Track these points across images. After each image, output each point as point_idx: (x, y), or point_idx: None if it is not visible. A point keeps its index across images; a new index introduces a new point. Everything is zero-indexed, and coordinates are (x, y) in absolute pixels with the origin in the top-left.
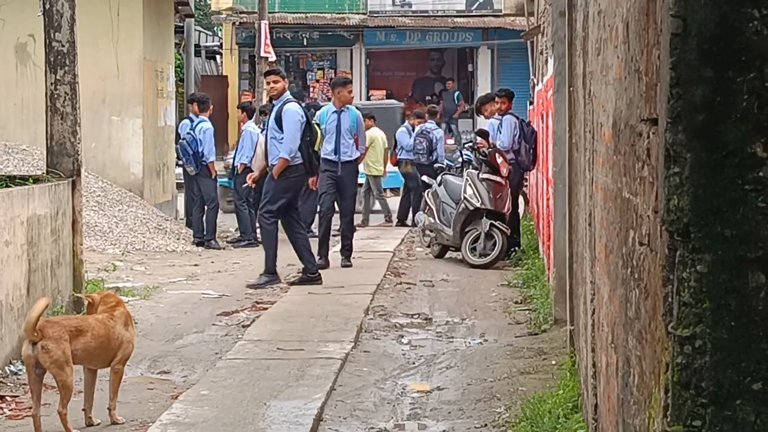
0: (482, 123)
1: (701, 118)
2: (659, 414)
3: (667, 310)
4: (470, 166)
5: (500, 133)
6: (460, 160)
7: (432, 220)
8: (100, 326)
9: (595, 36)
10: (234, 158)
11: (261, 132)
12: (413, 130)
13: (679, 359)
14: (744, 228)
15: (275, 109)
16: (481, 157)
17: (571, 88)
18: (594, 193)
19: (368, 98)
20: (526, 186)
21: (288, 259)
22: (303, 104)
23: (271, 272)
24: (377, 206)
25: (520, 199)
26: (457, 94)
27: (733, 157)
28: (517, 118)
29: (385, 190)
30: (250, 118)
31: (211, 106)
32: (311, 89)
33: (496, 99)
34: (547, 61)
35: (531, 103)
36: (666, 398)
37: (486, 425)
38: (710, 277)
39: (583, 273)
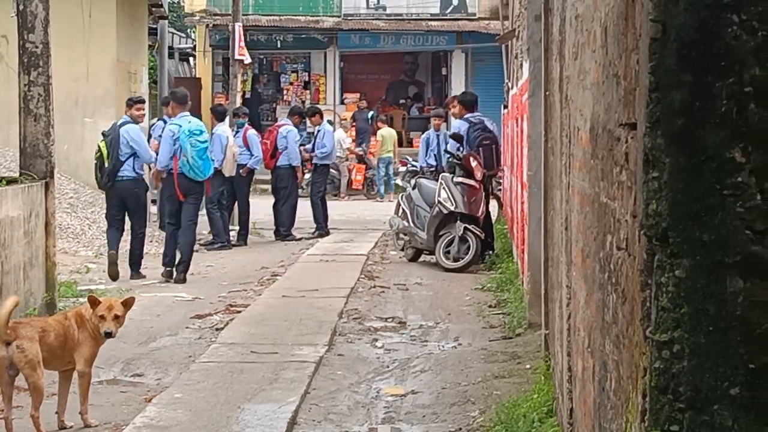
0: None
1: (680, 122)
2: (637, 419)
3: (645, 314)
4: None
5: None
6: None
7: (406, 224)
8: (59, 326)
9: (573, 40)
10: None
11: (234, 135)
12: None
13: (657, 364)
14: (722, 233)
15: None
16: (455, 161)
17: (547, 92)
18: (570, 197)
19: (342, 101)
20: (500, 190)
21: (262, 262)
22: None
23: None
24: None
25: (493, 203)
26: (371, 114)
27: (711, 162)
28: (471, 123)
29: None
30: (220, 122)
31: (189, 102)
32: (285, 92)
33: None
34: (522, 64)
35: (505, 106)
36: (644, 403)
37: (460, 429)
38: (688, 281)
39: (559, 277)
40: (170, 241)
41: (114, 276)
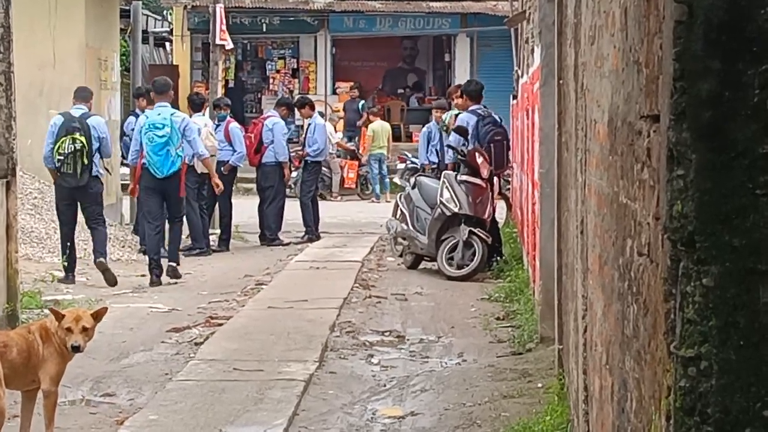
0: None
1: (708, 114)
2: None
3: (669, 327)
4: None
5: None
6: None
7: (405, 227)
8: (21, 341)
9: (589, 23)
10: None
11: (215, 129)
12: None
13: (683, 382)
14: (754, 237)
15: None
16: (459, 156)
17: (561, 81)
18: (586, 197)
19: (334, 91)
20: (509, 189)
21: (245, 269)
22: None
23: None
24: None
25: (499, 203)
26: (362, 104)
27: (742, 158)
28: (480, 116)
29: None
30: (196, 112)
31: (171, 92)
32: (271, 80)
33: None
34: (533, 50)
35: (515, 97)
36: (667, 425)
37: None
38: (717, 291)
39: (574, 286)
40: (150, 243)
41: (112, 281)
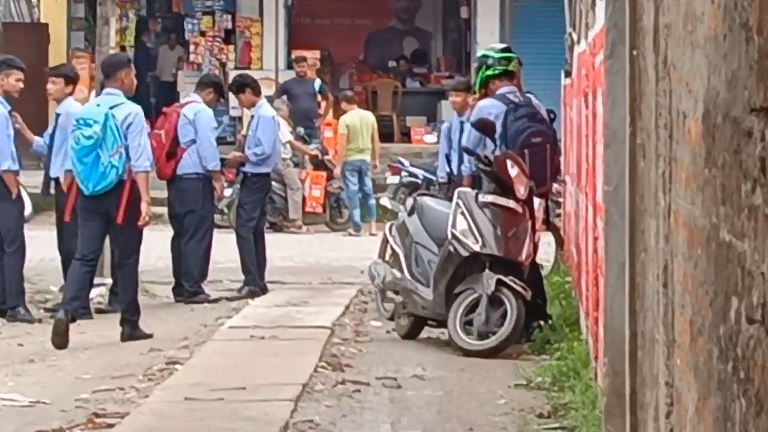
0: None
1: None
2: None
3: None
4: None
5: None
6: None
7: (398, 275)
8: None
9: None
10: (49, 161)
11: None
12: None
13: None
14: None
15: None
16: (482, 166)
17: (635, 51)
18: (672, 230)
19: (289, 65)
20: (559, 217)
21: (151, 340)
22: None
23: None
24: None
25: (543, 237)
26: (318, 84)
27: None
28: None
29: None
30: (69, 95)
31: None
32: (192, 48)
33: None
34: (594, 4)
35: (567, 74)
36: None
37: None
38: None
39: (654, 367)
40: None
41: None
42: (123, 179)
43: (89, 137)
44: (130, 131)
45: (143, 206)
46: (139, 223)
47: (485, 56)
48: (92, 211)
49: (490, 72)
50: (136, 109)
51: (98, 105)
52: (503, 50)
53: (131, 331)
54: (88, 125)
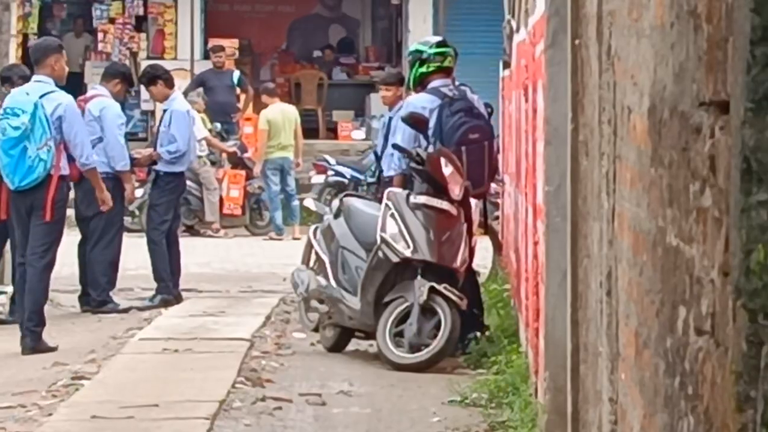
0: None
1: None
2: None
3: None
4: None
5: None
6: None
7: (323, 282)
8: None
9: None
10: None
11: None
12: None
13: None
14: None
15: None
16: (413, 164)
17: (577, 41)
18: (616, 235)
19: (206, 55)
20: (497, 219)
21: (55, 353)
22: None
23: None
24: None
25: (480, 242)
26: (237, 76)
27: None
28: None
29: None
30: None
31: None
32: (100, 36)
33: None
34: None
35: (506, 65)
36: None
37: None
38: None
39: (598, 382)
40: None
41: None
42: (50, 174)
43: (17, 128)
44: (64, 125)
45: (105, 196)
46: (104, 210)
47: (419, 51)
48: (19, 208)
49: (424, 69)
50: (67, 99)
51: (27, 93)
52: (438, 44)
53: (34, 343)
54: (15, 115)
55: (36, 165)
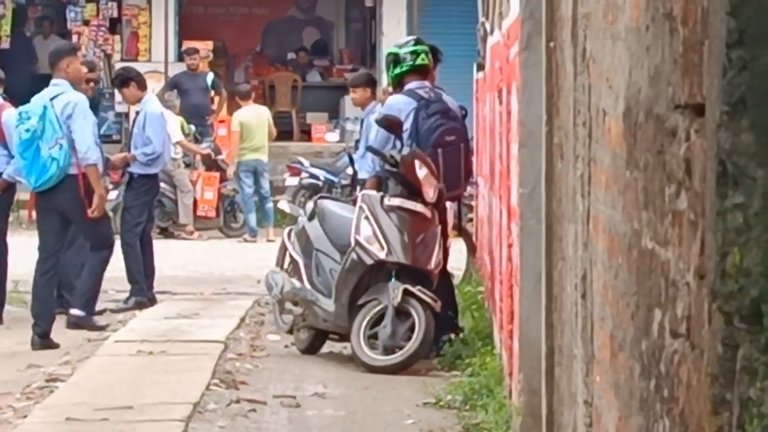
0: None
1: None
2: None
3: None
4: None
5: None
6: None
7: (297, 284)
8: None
9: None
10: None
11: None
12: None
13: None
14: None
15: None
16: (388, 167)
17: (552, 44)
18: (592, 237)
19: (180, 57)
20: (471, 221)
21: (29, 355)
22: None
23: None
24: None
25: (454, 244)
26: (211, 78)
27: None
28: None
29: None
30: None
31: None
32: (75, 38)
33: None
34: None
35: (480, 67)
36: None
37: None
38: None
39: (573, 385)
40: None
41: None
42: (69, 173)
43: (27, 130)
44: (71, 121)
45: (96, 198)
46: (95, 214)
47: (394, 53)
48: (43, 207)
49: (398, 69)
50: (77, 97)
51: (42, 97)
52: (413, 43)
53: (76, 322)
54: (27, 118)
55: (49, 164)
